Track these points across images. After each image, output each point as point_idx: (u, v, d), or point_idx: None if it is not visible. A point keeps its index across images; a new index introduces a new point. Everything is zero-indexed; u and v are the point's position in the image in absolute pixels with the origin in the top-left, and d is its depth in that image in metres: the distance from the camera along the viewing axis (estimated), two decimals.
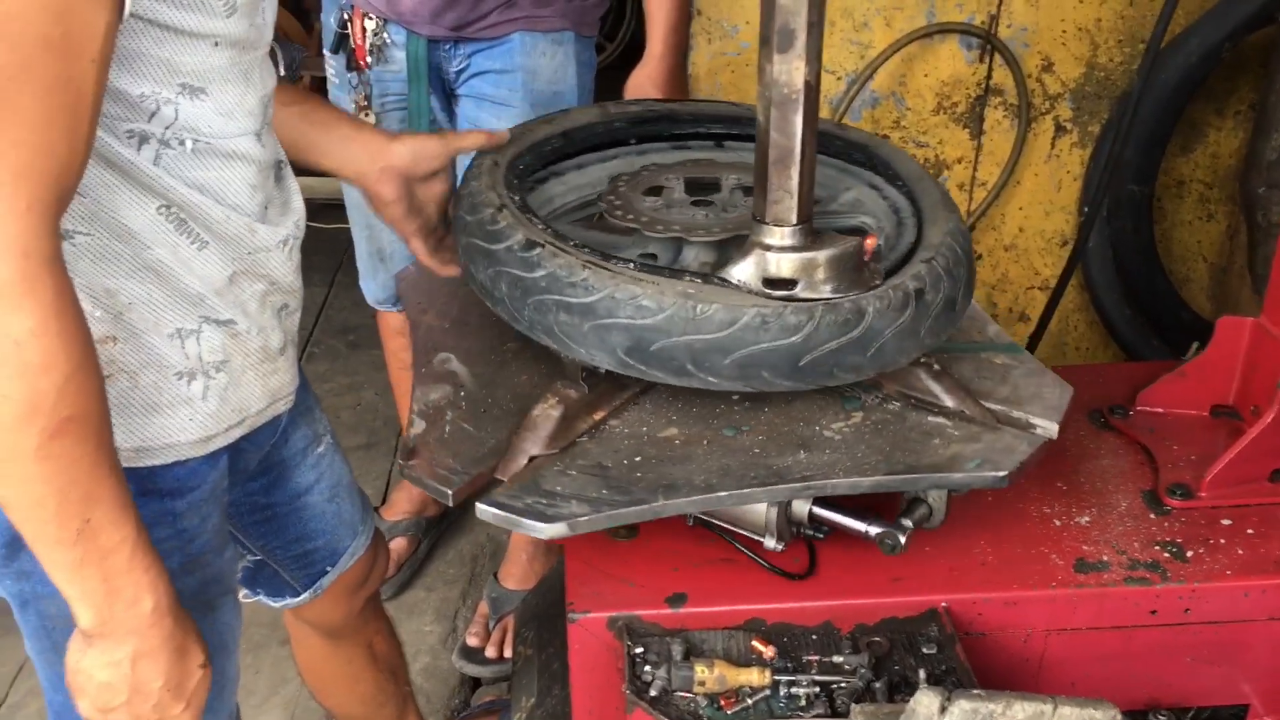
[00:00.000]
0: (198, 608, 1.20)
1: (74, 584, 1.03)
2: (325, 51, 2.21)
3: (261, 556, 1.51)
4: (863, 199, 1.61)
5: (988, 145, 2.67)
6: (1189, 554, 1.46)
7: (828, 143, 1.65)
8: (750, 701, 1.25)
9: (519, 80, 2.09)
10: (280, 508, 1.47)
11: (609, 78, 2.30)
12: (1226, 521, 1.52)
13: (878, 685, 1.25)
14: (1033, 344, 2.54)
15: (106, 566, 1.02)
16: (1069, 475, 1.61)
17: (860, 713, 1.17)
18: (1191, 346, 1.75)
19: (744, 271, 1.32)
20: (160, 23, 1.02)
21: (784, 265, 1.31)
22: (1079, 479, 1.60)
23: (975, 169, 2.70)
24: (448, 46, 2.11)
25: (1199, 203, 2.79)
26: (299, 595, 1.57)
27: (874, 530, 1.33)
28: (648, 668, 1.28)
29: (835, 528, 1.36)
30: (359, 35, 2.12)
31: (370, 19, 2.11)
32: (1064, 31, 2.55)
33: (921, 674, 1.26)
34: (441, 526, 2.79)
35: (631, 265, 1.30)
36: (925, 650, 1.31)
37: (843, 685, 1.26)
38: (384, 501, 2.79)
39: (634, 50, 2.13)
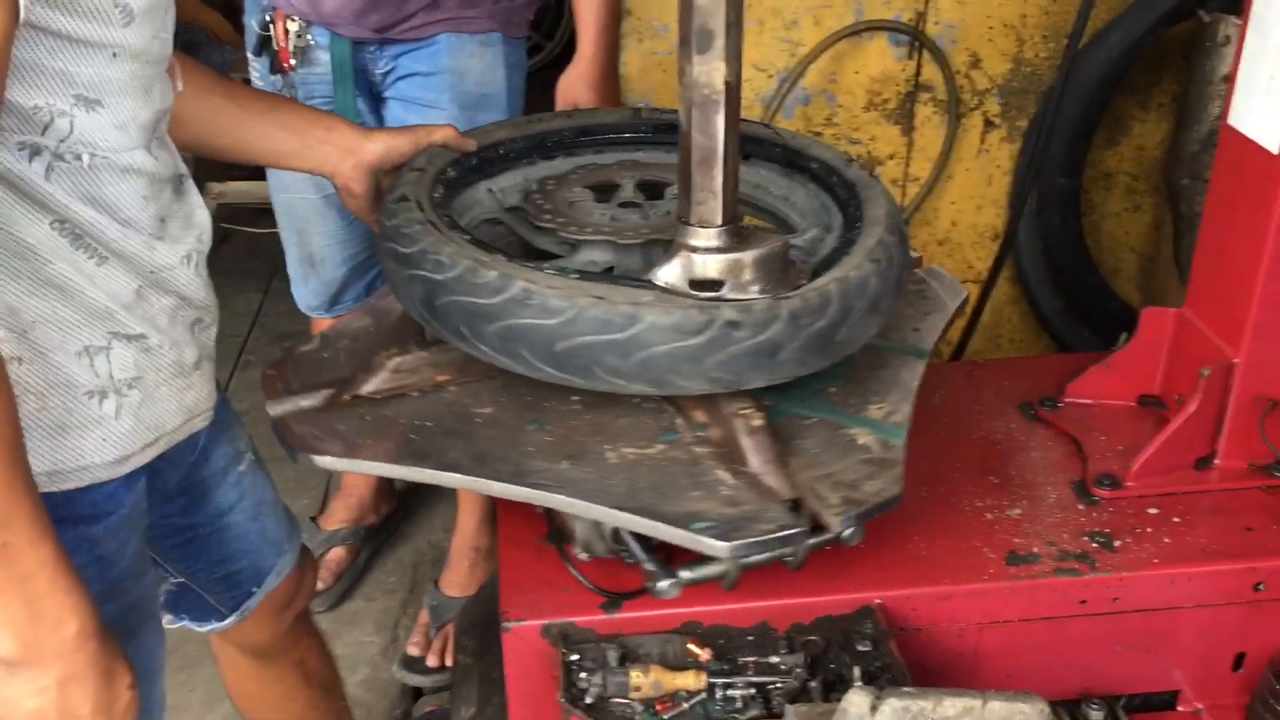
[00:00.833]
0: (119, 635, 1.16)
1: None
2: (249, 54, 2.17)
3: (184, 580, 1.47)
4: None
5: (919, 141, 2.69)
6: (1117, 544, 1.48)
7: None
8: (687, 705, 1.24)
9: (446, 82, 2.07)
10: (202, 529, 1.44)
11: (548, 77, 2.28)
12: (1153, 510, 1.54)
13: (813, 684, 1.25)
14: (966, 337, 2.56)
15: (27, 590, 0.99)
16: (1000, 468, 1.62)
17: (795, 713, 1.18)
18: (1121, 337, 1.77)
19: (670, 274, 1.32)
20: (55, 31, 0.98)
21: (710, 267, 1.31)
22: (1010, 471, 1.62)
23: (908, 165, 2.72)
24: (373, 48, 2.08)
25: (1126, 194, 2.84)
26: (225, 619, 1.53)
27: (649, 567, 1.28)
28: (583, 674, 1.27)
29: (631, 553, 1.31)
30: (282, 37, 2.08)
31: (293, 21, 2.07)
32: (990, 28, 2.58)
33: (856, 672, 1.27)
34: (381, 535, 2.76)
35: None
36: (860, 648, 1.31)
37: (778, 686, 1.26)
38: (322, 511, 2.75)
39: (571, 50, 2.12)
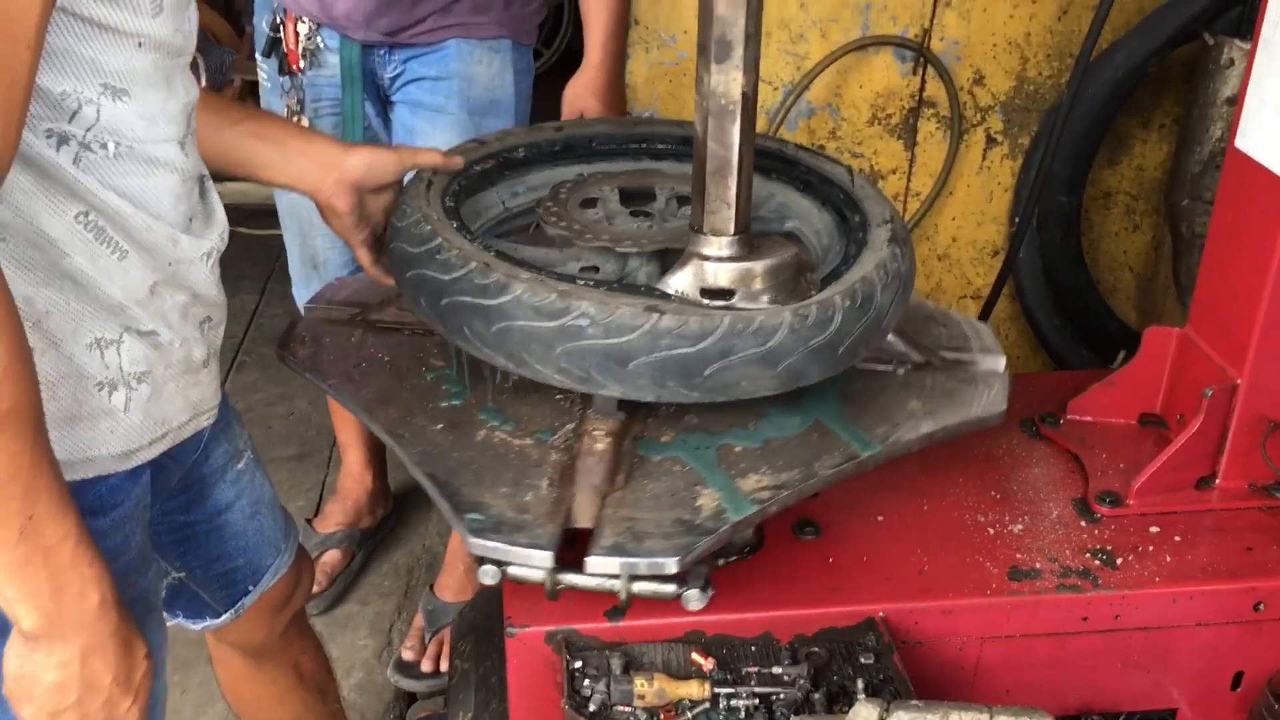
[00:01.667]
0: None
1: (17, 584, 1.00)
2: (258, 55, 2.17)
3: (182, 576, 1.47)
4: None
5: (921, 156, 2.70)
6: (1119, 561, 1.48)
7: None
8: (690, 715, 1.24)
9: (455, 87, 2.07)
10: (200, 526, 1.44)
11: (545, 84, 2.29)
12: (1155, 529, 1.54)
13: (816, 696, 1.25)
14: None
15: (51, 563, 1.00)
16: (1002, 483, 1.63)
17: None
18: (1119, 355, 1.78)
19: (682, 281, 1.32)
20: (86, 17, 1.00)
21: (721, 275, 1.31)
22: (1012, 487, 1.62)
23: (909, 179, 2.73)
24: (382, 52, 2.09)
25: (1125, 214, 2.85)
26: (219, 616, 1.53)
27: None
28: (587, 682, 1.27)
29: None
30: (291, 39, 2.08)
31: (303, 23, 2.07)
32: (994, 45, 2.59)
33: (860, 684, 1.26)
34: (376, 538, 2.75)
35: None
36: (863, 660, 1.31)
37: (782, 696, 1.25)
38: (317, 513, 2.74)
39: (570, 57, 2.12)
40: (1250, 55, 1.54)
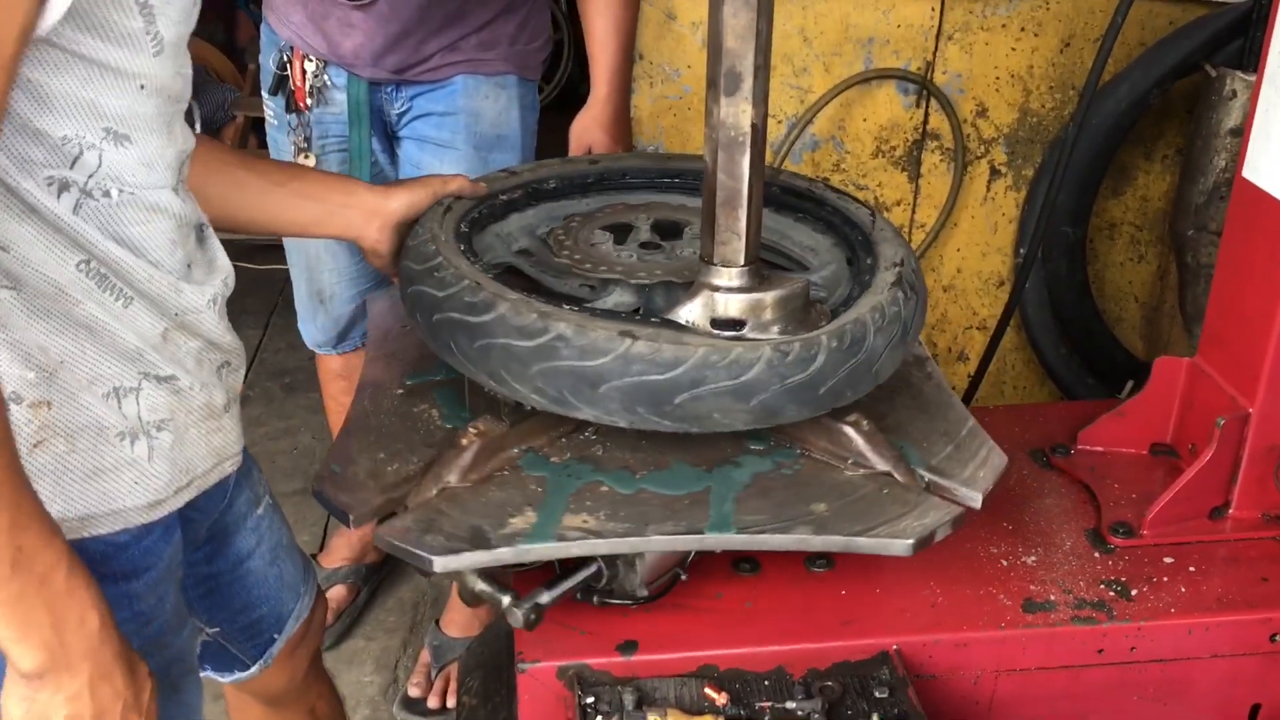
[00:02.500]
0: (161, 690, 1.14)
1: (13, 621, 0.96)
2: (264, 93, 2.18)
3: (215, 632, 1.45)
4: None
5: (925, 188, 2.71)
6: (1134, 592, 1.47)
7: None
8: None
9: (461, 123, 2.08)
10: (224, 576, 1.41)
11: (546, 119, 2.31)
12: (1169, 559, 1.53)
13: None
14: (974, 383, 2.57)
15: (46, 593, 0.96)
16: (1014, 514, 1.62)
17: None
18: (1126, 385, 1.78)
19: (692, 312, 1.32)
20: (87, 58, 0.98)
21: (731, 306, 1.31)
22: (1024, 518, 1.61)
23: (914, 211, 2.74)
24: (389, 89, 2.10)
25: (1130, 244, 2.85)
26: (248, 669, 1.50)
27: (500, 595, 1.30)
28: (599, 718, 1.25)
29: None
30: (299, 77, 2.09)
31: (310, 61, 2.09)
32: (997, 78, 2.60)
33: (875, 718, 1.25)
34: (382, 573, 2.74)
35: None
36: (877, 694, 1.30)
37: None
38: (322, 548, 2.73)
39: (570, 92, 2.14)
40: (1255, 88, 1.55)
